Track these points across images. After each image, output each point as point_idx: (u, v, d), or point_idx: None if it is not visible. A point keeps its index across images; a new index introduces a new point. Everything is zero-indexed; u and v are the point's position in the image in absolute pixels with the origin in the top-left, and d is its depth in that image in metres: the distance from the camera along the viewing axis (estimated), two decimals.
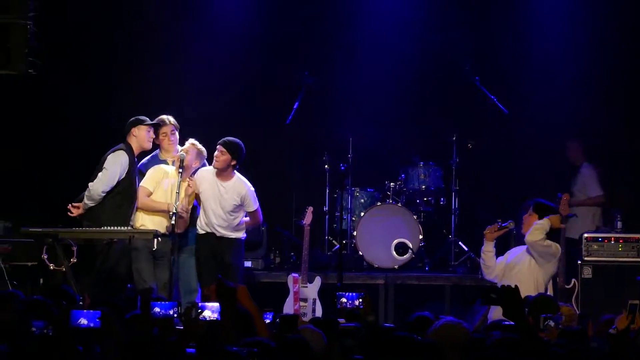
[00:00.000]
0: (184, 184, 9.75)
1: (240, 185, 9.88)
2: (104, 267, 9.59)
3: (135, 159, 9.80)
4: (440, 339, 5.61)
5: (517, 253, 9.64)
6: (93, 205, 9.66)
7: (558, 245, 9.51)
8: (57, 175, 11.59)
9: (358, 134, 11.86)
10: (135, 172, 9.77)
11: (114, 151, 9.71)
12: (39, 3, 10.03)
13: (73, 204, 9.73)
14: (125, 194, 9.68)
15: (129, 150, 9.72)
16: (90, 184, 9.65)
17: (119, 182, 9.64)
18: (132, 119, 9.80)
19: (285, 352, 4.95)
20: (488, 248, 9.49)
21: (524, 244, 9.63)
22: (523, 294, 7.26)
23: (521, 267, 9.46)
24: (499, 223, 9.54)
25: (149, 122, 9.81)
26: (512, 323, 5.66)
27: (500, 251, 9.63)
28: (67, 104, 11.83)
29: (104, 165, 9.64)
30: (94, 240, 9.57)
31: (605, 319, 7.44)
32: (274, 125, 12.04)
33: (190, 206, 9.84)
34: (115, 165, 9.63)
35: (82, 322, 5.45)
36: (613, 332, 6.97)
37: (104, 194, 9.62)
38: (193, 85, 12.16)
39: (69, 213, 9.70)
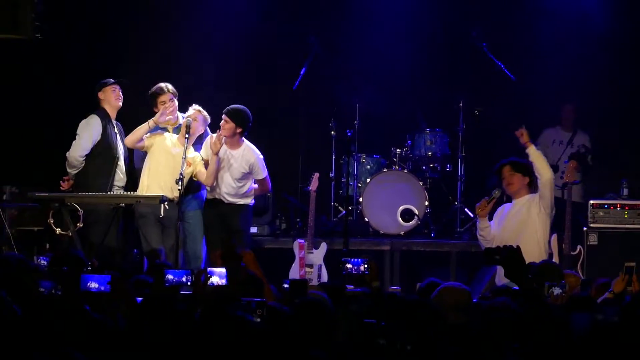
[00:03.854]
0: (190, 150, 9.73)
1: (249, 153, 9.85)
2: (109, 232, 9.62)
3: (112, 121, 9.88)
4: (441, 301, 5.67)
5: (505, 214, 9.50)
6: (76, 172, 9.77)
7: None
8: (64, 140, 11.56)
9: (365, 100, 11.83)
10: (112, 134, 9.85)
11: (85, 118, 9.83)
12: None
13: (63, 178, 9.80)
14: (104, 156, 9.78)
15: (101, 113, 9.83)
16: (67, 154, 9.77)
17: (96, 145, 9.73)
18: (96, 85, 9.90)
19: (299, 315, 4.96)
20: (483, 224, 9.34)
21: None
22: (525, 245, 7.26)
23: (519, 223, 9.32)
24: (486, 197, 9.40)
25: (112, 81, 9.88)
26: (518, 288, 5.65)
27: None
28: (74, 70, 11.79)
29: (77, 132, 9.80)
30: (100, 205, 9.59)
31: (601, 282, 7.43)
32: (281, 91, 12.01)
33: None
34: (86, 129, 9.77)
35: (92, 286, 5.48)
36: (610, 296, 6.99)
37: (82, 158, 9.72)
38: (200, 50, 12.11)
39: (60, 188, 9.75)
